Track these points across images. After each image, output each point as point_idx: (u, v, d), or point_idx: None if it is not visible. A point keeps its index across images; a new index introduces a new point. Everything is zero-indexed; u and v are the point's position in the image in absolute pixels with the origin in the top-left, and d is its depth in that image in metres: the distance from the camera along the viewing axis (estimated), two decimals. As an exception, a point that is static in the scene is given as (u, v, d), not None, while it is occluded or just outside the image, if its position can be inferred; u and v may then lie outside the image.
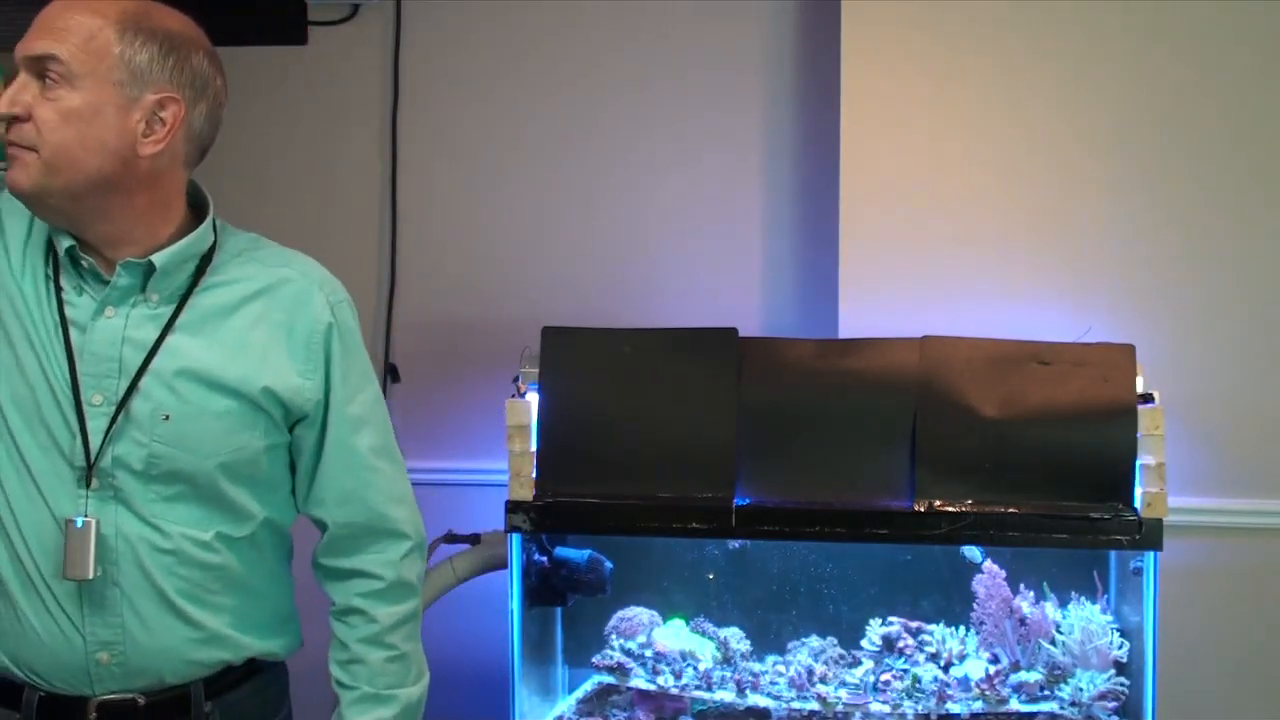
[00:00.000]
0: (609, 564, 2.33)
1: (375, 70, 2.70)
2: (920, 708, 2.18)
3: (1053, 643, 2.22)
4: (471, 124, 2.67)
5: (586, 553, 2.33)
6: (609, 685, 2.32)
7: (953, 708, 2.17)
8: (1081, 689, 2.16)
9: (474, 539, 2.46)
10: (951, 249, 2.38)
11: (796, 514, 2.11)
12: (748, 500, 2.12)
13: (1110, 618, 2.23)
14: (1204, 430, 2.32)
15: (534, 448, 2.18)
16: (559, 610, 2.43)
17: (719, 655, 2.32)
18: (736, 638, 2.35)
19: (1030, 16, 2.34)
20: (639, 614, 2.37)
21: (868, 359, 2.15)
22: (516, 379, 2.23)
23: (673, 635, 2.34)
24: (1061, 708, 2.15)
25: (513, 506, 2.14)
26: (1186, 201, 2.33)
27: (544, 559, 2.32)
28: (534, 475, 2.16)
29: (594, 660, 2.31)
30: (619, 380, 2.18)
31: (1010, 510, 2.06)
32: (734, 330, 2.18)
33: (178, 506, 1.51)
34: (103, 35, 1.43)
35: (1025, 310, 2.32)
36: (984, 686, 2.18)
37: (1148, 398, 2.11)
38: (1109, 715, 2.15)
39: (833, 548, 2.34)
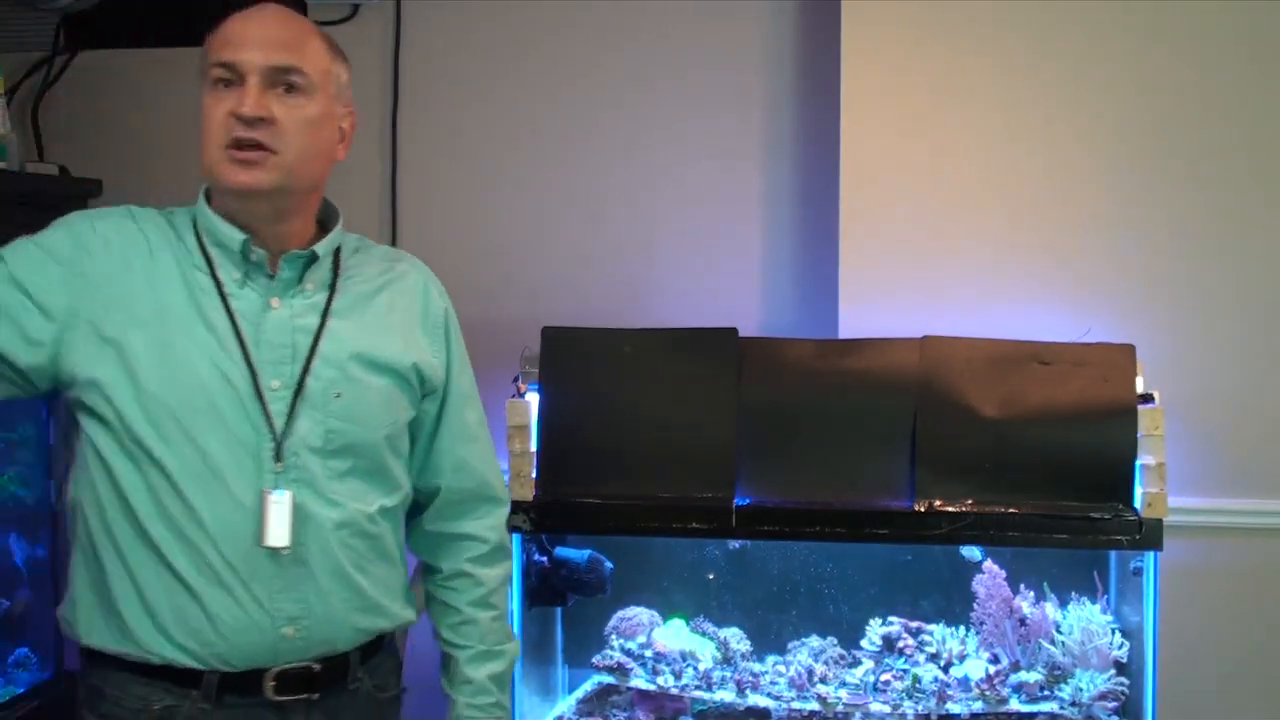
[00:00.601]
0: (609, 564, 2.33)
1: (375, 70, 2.70)
2: (920, 708, 2.18)
3: (1053, 643, 2.22)
4: (471, 124, 2.67)
5: (586, 553, 2.33)
6: (609, 685, 2.32)
7: (953, 708, 2.17)
8: (1081, 689, 2.16)
9: (474, 539, 2.46)
10: (951, 249, 2.38)
11: (796, 514, 2.11)
12: (748, 500, 2.12)
13: (1110, 618, 2.23)
14: (1204, 430, 2.32)
15: (534, 448, 2.18)
16: (559, 610, 2.43)
17: (719, 655, 2.32)
18: (736, 638, 2.35)
19: (1030, 17, 2.34)
20: (639, 614, 2.37)
21: (868, 359, 2.15)
22: (516, 379, 2.23)
23: (673, 635, 2.34)
24: (1061, 708, 2.15)
25: (513, 506, 2.14)
26: (1187, 202, 2.33)
27: (544, 559, 2.32)
28: (534, 475, 2.16)
29: (594, 660, 2.31)
30: (619, 380, 2.18)
31: (1010, 510, 2.06)
32: (734, 330, 2.18)
33: (349, 481, 1.62)
34: (323, 52, 1.61)
35: (1025, 310, 2.32)
36: (984, 686, 2.18)
37: (1148, 398, 2.11)
38: (1109, 715, 2.15)
39: (833, 548, 2.34)
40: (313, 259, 1.62)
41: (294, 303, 1.61)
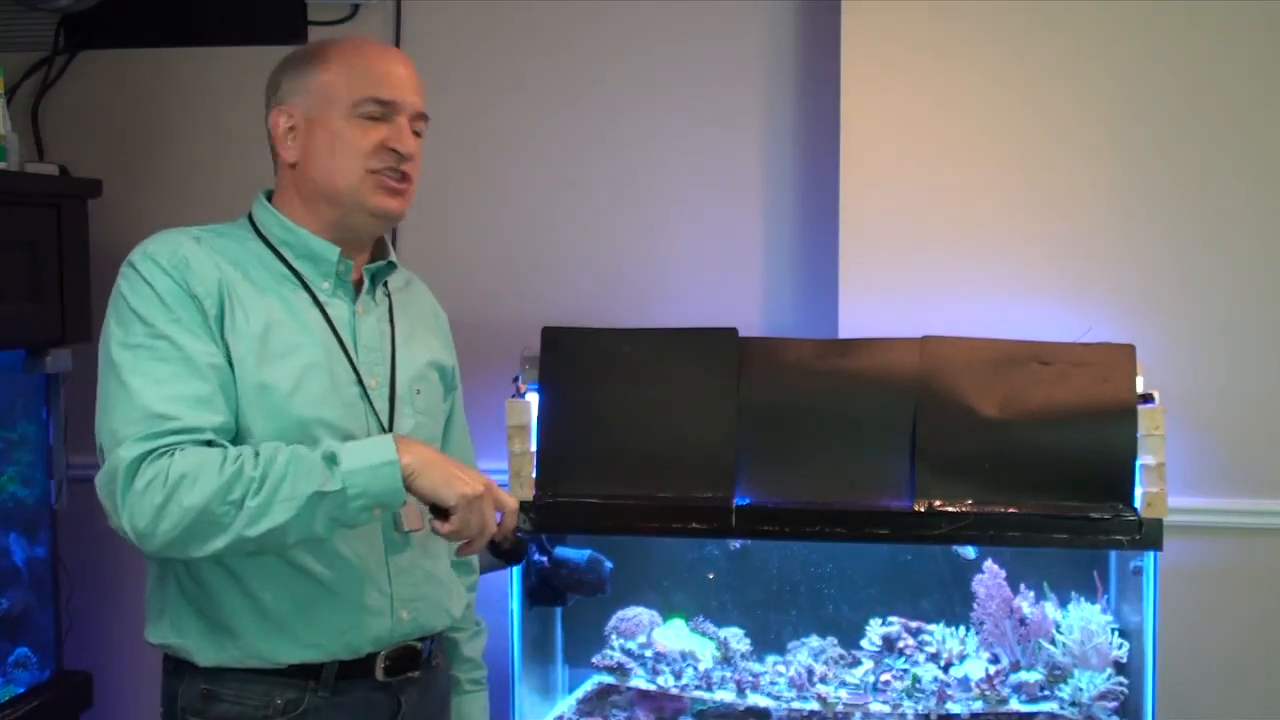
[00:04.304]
0: (609, 564, 2.33)
1: (375, 70, 2.69)
2: (920, 708, 2.18)
3: (1053, 643, 2.22)
4: (471, 124, 2.67)
5: (586, 553, 2.33)
6: (609, 685, 2.32)
7: (953, 708, 2.17)
8: (1081, 689, 2.16)
9: (474, 539, 2.46)
10: (951, 249, 2.38)
11: (796, 514, 2.11)
12: (748, 500, 2.12)
13: (1110, 618, 2.23)
14: (1204, 430, 2.32)
15: (534, 448, 2.18)
16: (559, 610, 2.43)
17: (719, 655, 2.32)
18: (736, 638, 2.35)
19: (1030, 19, 2.34)
20: (639, 614, 2.37)
21: (868, 359, 2.15)
22: (516, 379, 2.23)
23: (673, 635, 2.34)
24: (1061, 708, 2.15)
25: (513, 506, 2.14)
26: (1186, 202, 2.33)
27: (544, 559, 2.32)
28: (534, 475, 2.16)
29: (594, 660, 2.31)
30: (619, 380, 2.18)
31: (1010, 510, 2.06)
32: (734, 330, 2.18)
33: None
34: None
35: (1025, 310, 2.32)
36: (984, 686, 2.18)
37: (1148, 398, 2.11)
38: (1109, 715, 2.15)
39: (833, 548, 2.34)
40: (389, 269, 1.76)
41: (373, 309, 1.73)
